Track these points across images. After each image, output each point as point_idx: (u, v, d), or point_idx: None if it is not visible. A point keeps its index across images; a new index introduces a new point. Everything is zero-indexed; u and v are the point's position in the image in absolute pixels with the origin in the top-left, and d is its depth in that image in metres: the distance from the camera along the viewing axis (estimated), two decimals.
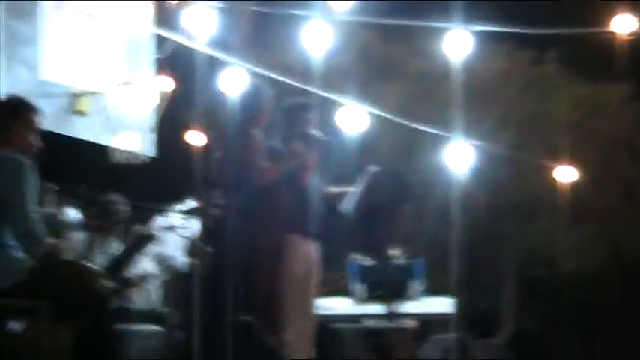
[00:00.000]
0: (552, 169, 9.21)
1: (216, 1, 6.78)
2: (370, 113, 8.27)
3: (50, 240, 5.02)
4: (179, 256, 7.35)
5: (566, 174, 9.16)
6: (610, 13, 7.27)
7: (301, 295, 6.16)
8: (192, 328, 5.94)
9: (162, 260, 7.51)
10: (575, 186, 9.26)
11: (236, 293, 5.00)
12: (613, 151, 11.44)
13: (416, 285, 8.37)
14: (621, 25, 7.24)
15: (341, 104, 7.97)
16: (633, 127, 11.42)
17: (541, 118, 11.66)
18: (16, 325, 4.95)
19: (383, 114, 8.63)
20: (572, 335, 15.35)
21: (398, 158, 10.37)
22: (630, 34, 7.16)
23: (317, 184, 6.56)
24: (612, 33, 7.29)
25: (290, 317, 5.82)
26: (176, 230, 7.03)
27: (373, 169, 6.61)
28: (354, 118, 7.87)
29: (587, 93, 11.88)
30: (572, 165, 9.29)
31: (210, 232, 6.38)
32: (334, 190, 6.70)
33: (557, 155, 9.44)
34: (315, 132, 6.38)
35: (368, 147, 8.29)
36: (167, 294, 7.80)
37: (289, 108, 6.59)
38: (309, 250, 6.35)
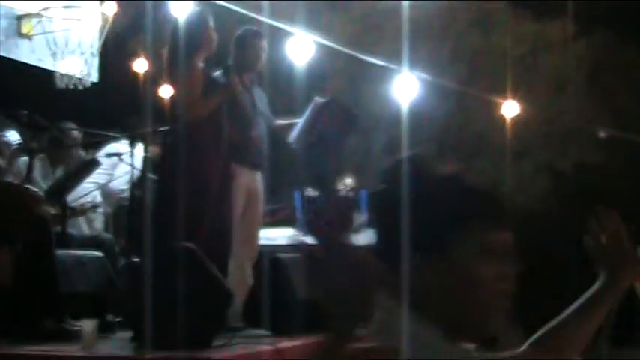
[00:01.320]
0: (498, 104, 9.29)
1: None
2: (318, 44, 8.23)
3: None
4: (124, 186, 7.31)
5: (510, 109, 9.25)
6: None
7: (245, 225, 6.17)
8: (133, 255, 5.95)
9: (107, 191, 7.47)
10: (518, 122, 9.35)
11: (179, 221, 4.99)
12: (555, 87, 11.53)
13: (360, 217, 8.43)
14: None
15: (290, 34, 7.92)
16: (576, 65, 11.49)
17: (487, 53, 11.68)
18: None
19: (331, 44, 8.60)
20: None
21: (346, 90, 10.33)
22: None
23: (264, 116, 6.53)
24: None
25: (234, 246, 5.83)
26: (120, 157, 6.97)
27: (320, 99, 6.57)
28: (302, 48, 7.83)
29: (531, 29, 11.92)
30: (516, 100, 9.38)
31: (155, 161, 6.36)
32: (282, 122, 6.67)
33: (502, 91, 9.49)
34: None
35: (316, 78, 8.25)
36: (111, 222, 7.78)
37: (241, 36, 6.50)
38: (252, 180, 6.34)
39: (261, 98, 6.57)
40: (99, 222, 7.52)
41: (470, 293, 1.67)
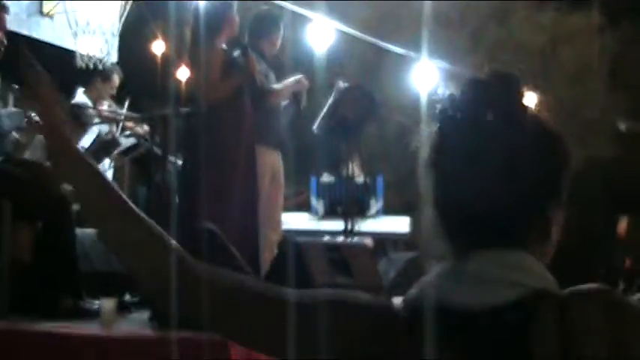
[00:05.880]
0: None
1: None
2: (338, 30, 8.23)
3: (16, 136, 4.98)
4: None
5: (529, 100, 9.22)
6: None
7: (270, 205, 6.18)
8: None
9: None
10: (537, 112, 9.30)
11: (202, 202, 5.00)
12: (575, 79, 11.50)
13: (374, 203, 8.43)
14: None
15: (309, 19, 7.92)
16: (596, 56, 11.45)
17: (506, 43, 11.66)
18: None
19: (351, 31, 8.60)
20: None
21: (364, 76, 10.33)
22: None
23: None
24: None
25: (261, 227, 5.84)
26: (139, 139, 6.99)
27: (343, 83, 6.57)
28: (322, 33, 7.83)
29: (551, 20, 11.89)
30: (535, 92, 9.35)
31: (176, 142, 6.36)
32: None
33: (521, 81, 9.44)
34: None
35: (335, 64, 8.25)
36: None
37: (257, 17, 6.49)
38: (276, 160, 6.36)
39: (272, 79, 6.58)
40: None
41: None
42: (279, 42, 6.52)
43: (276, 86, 6.38)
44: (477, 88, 1.46)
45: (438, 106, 1.47)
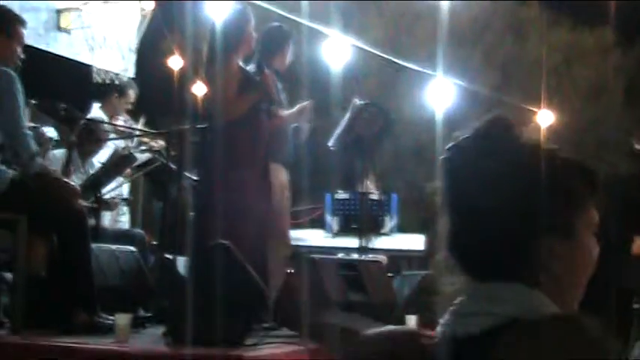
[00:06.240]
0: (532, 112, 9.25)
1: None
2: (354, 46, 8.24)
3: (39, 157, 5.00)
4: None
5: (545, 118, 9.21)
6: None
7: (280, 221, 6.19)
8: (166, 252, 5.97)
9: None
10: (552, 131, 9.31)
11: (216, 219, 5.01)
12: (590, 97, 11.49)
13: (389, 220, 8.42)
14: None
15: (325, 36, 7.93)
16: (611, 74, 11.45)
17: (521, 61, 11.66)
18: None
19: (367, 47, 8.61)
20: None
21: (379, 93, 10.34)
22: None
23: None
24: None
25: (271, 243, 5.85)
26: (154, 154, 7.00)
27: (359, 101, 6.58)
28: (338, 49, 7.84)
29: (566, 38, 11.89)
30: (550, 109, 9.35)
31: (191, 158, 6.38)
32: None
33: (535, 99, 9.46)
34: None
35: (351, 80, 8.25)
36: (139, 217, 7.81)
37: (268, 33, 6.49)
38: (284, 178, 6.38)
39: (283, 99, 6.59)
40: (122, 217, 7.55)
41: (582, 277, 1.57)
42: (290, 57, 6.52)
43: (283, 113, 6.39)
44: (474, 138, 1.55)
45: (444, 155, 1.57)
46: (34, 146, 4.81)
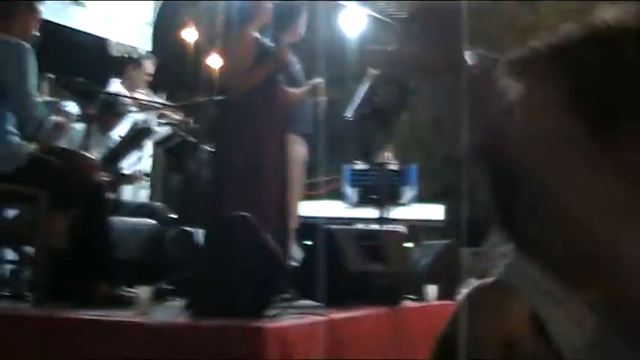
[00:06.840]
0: None
1: None
2: (370, 16, 8.20)
3: (53, 119, 5.01)
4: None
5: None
6: None
7: (293, 193, 6.20)
8: (185, 224, 5.99)
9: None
10: None
11: (235, 189, 5.02)
12: None
13: (408, 191, 8.42)
14: None
15: (343, 6, 7.91)
16: None
17: (535, 29, 11.61)
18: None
19: (383, 18, 8.56)
20: None
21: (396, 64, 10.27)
22: None
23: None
24: None
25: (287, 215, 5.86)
26: (174, 128, 7.00)
27: (374, 71, 6.54)
28: (355, 20, 7.82)
29: (581, 5, 11.83)
30: None
31: (209, 130, 6.38)
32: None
33: None
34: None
35: (367, 50, 8.22)
36: (158, 191, 7.83)
37: (279, 6, 6.46)
38: (303, 149, 6.38)
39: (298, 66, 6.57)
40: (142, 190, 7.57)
41: None
42: (303, 29, 6.48)
43: (293, 90, 6.36)
44: None
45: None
46: (43, 113, 4.82)
